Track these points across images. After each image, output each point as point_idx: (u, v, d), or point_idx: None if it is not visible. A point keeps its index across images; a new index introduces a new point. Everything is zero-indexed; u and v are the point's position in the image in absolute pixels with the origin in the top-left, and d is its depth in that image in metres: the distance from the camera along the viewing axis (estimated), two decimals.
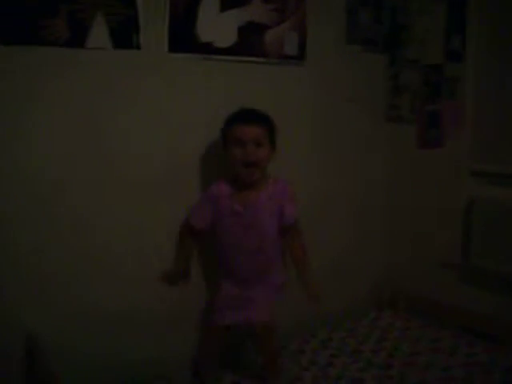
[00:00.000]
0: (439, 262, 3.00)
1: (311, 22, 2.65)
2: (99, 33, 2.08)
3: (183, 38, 2.28)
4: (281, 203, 2.25)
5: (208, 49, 2.34)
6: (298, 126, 2.70)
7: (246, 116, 2.18)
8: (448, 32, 2.85)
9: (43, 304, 2.11)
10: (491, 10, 2.72)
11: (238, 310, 2.27)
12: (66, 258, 2.14)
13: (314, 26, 2.66)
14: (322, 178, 2.85)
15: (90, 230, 2.19)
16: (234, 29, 2.40)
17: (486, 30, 2.74)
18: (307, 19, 2.63)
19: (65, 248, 2.14)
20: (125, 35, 2.14)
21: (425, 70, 2.94)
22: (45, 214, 2.08)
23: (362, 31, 2.91)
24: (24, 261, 2.05)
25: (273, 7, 2.50)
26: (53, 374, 1.83)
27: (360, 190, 3.07)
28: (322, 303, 2.29)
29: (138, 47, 2.18)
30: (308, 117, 2.75)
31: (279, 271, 2.36)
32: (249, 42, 2.46)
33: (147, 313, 2.33)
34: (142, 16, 2.15)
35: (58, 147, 2.07)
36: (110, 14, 2.09)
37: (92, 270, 2.21)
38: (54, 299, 2.13)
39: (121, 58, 2.15)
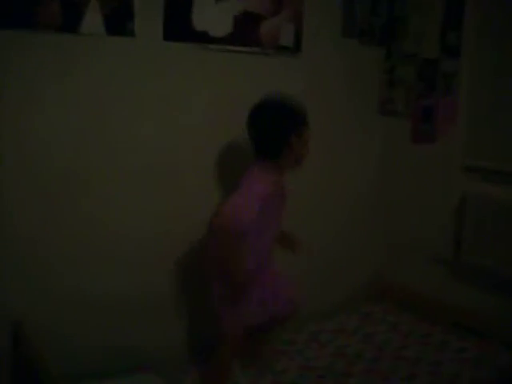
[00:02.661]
0: (431, 257, 3.00)
1: (307, 14, 2.64)
2: (93, 19, 2.06)
3: (178, 26, 2.27)
4: None
5: (203, 38, 2.33)
6: None
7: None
8: (445, 27, 2.84)
9: (36, 291, 2.11)
10: (488, 6, 2.72)
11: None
12: (62, 245, 2.15)
13: (310, 17, 2.65)
14: (315, 171, 2.84)
15: (88, 218, 2.20)
16: (230, 18, 2.38)
17: (483, 26, 2.74)
18: (303, 11, 2.61)
19: (62, 235, 2.15)
20: (119, 22, 2.12)
21: (420, 64, 2.94)
22: (43, 201, 2.08)
23: (359, 24, 2.90)
24: (19, 247, 2.06)
25: None
26: (39, 358, 1.81)
27: (353, 183, 3.07)
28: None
29: (133, 34, 2.17)
30: None
31: None
32: (244, 32, 2.44)
33: (140, 300, 2.34)
34: (136, 3, 2.14)
35: (48, 134, 2.05)
36: (105, 0, 2.07)
37: (88, 256, 2.22)
38: (47, 286, 2.13)
39: (115, 45, 2.14)
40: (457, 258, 2.87)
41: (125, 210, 2.28)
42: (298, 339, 2.67)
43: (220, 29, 2.37)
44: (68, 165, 2.11)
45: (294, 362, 2.47)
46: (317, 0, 2.69)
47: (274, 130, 2.16)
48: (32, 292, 2.10)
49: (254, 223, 2.06)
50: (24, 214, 2.05)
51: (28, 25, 1.93)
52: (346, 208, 3.06)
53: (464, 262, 2.83)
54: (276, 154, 2.17)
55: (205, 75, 2.38)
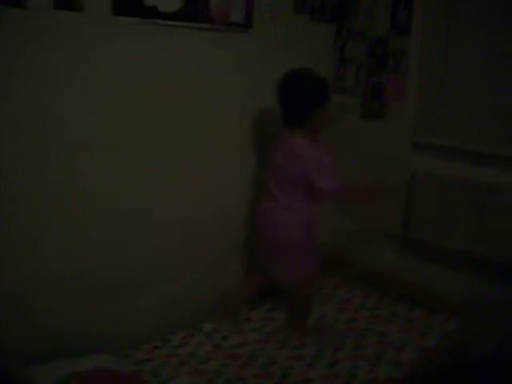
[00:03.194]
0: (381, 233, 3.06)
1: None
2: None
3: (127, 0, 2.23)
4: None
5: (153, 13, 2.30)
6: (242, 93, 2.69)
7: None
8: (395, 5, 2.88)
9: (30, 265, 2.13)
10: None
11: None
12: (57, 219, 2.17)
13: None
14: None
15: (90, 195, 2.24)
16: None
17: (433, 4, 2.78)
18: None
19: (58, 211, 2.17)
20: None
21: (371, 42, 2.97)
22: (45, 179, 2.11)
23: (310, 0, 2.91)
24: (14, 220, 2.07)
25: None
26: None
27: None
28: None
29: (81, 9, 2.12)
30: (253, 85, 2.74)
31: None
32: (194, 7, 2.42)
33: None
34: None
35: None
36: None
37: (87, 233, 2.26)
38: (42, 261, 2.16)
39: (62, 19, 2.08)
40: (406, 234, 2.94)
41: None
42: (253, 317, 2.73)
43: (170, 4, 2.33)
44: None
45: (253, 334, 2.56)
46: None
47: (299, 101, 2.41)
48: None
49: None
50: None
51: None
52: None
53: (413, 238, 2.91)
54: (298, 123, 2.41)
55: (154, 51, 2.35)
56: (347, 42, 3.06)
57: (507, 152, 2.57)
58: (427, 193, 2.82)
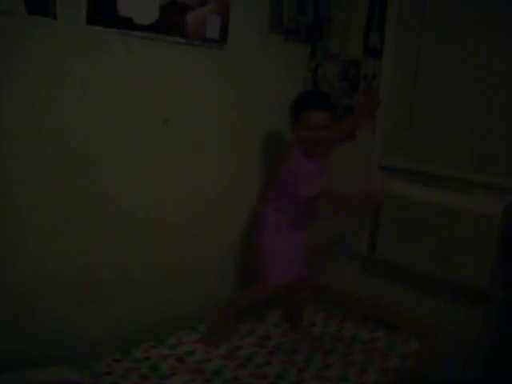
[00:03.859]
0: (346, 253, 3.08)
1: (234, 7, 2.64)
2: None
3: (102, 10, 2.22)
4: None
5: (128, 24, 2.29)
6: (213, 110, 2.70)
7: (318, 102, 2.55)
8: (368, 28, 2.93)
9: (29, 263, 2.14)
10: (409, 8, 2.82)
11: None
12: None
13: (237, 11, 2.65)
14: (237, 165, 2.87)
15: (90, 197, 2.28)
16: (156, 6, 2.36)
17: (404, 28, 2.84)
18: (231, 3, 2.62)
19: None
20: (40, 2, 2.06)
21: (344, 64, 3.01)
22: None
23: (285, 21, 2.93)
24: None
25: None
26: None
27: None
28: None
29: (55, 17, 2.11)
30: (225, 102, 2.75)
31: None
32: (170, 21, 2.42)
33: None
34: None
35: None
36: None
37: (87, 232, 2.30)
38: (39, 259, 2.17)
39: (35, 26, 2.06)
40: (371, 255, 2.96)
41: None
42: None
43: (145, 16, 2.34)
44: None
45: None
46: None
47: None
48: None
49: None
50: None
51: None
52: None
53: (378, 259, 2.93)
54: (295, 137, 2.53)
55: (127, 62, 2.34)
56: (321, 63, 3.09)
57: (475, 177, 2.62)
58: (394, 214, 2.84)
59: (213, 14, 2.56)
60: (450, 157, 2.72)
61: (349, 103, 3.01)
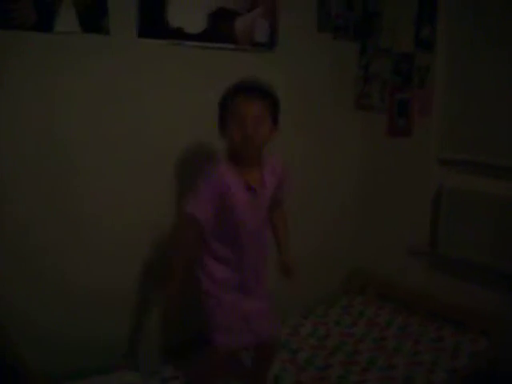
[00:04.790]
0: (409, 250, 3.04)
1: (282, 10, 2.64)
2: (67, 16, 2.04)
3: (153, 22, 2.26)
4: (280, 176, 2.07)
5: (178, 34, 2.32)
6: None
7: (248, 90, 1.93)
8: (419, 21, 2.88)
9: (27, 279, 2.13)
10: (461, 1, 2.76)
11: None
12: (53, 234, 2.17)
13: (284, 13, 2.65)
14: (295, 168, 2.85)
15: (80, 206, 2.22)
16: (205, 15, 2.38)
17: (456, 20, 2.78)
18: (278, 6, 2.62)
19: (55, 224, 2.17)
20: (93, 19, 2.11)
21: (395, 58, 2.97)
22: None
23: (334, 19, 2.91)
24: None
25: None
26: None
27: (332, 178, 3.08)
28: (294, 277, 2.15)
29: (107, 32, 2.16)
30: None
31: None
32: (219, 28, 2.44)
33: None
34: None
35: (22, 133, 2.05)
36: None
37: (77, 246, 2.24)
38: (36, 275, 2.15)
39: (90, 43, 2.12)
40: (433, 250, 2.91)
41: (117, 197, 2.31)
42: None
43: (195, 25, 2.36)
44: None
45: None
46: None
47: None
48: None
49: (203, 202, 1.90)
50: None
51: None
52: (327, 202, 3.08)
53: (440, 254, 2.88)
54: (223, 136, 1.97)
55: (180, 72, 2.38)
56: (371, 59, 3.05)
57: None
58: (454, 208, 2.79)
59: (261, 18, 2.57)
60: (508, 147, 2.65)
61: (403, 97, 2.96)
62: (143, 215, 2.37)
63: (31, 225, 2.11)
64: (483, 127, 2.72)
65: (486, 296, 2.72)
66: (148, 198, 2.37)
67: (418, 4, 2.84)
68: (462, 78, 2.77)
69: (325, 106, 2.95)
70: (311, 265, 3.00)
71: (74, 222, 2.22)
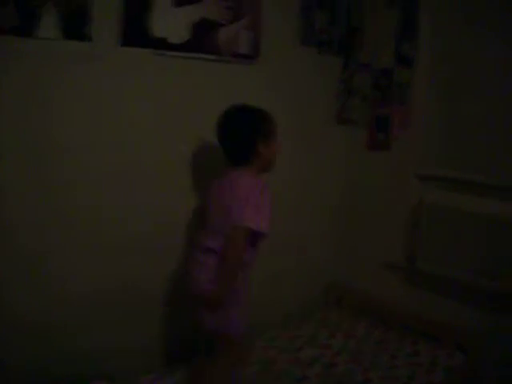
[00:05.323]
0: (387, 264, 3.04)
1: (266, 22, 2.65)
2: (50, 22, 2.03)
3: (136, 31, 2.25)
4: None
5: (161, 44, 2.32)
6: None
7: (268, 114, 2.24)
8: (400, 38, 2.90)
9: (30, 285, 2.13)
10: (441, 17, 2.78)
11: None
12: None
13: (268, 25, 2.66)
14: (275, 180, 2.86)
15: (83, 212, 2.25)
16: (188, 25, 2.38)
17: (436, 36, 2.80)
18: (262, 18, 2.63)
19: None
20: (76, 26, 2.10)
21: (376, 74, 2.99)
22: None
23: (318, 33, 2.93)
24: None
25: (227, 5, 2.50)
26: None
27: (309, 191, 3.09)
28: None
29: (90, 39, 2.15)
30: None
31: None
32: (202, 39, 2.45)
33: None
34: (94, 7, 2.12)
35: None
36: (61, 4, 2.04)
37: (76, 250, 2.25)
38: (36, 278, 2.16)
39: (71, 49, 2.11)
40: (411, 265, 2.92)
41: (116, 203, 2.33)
42: (255, 345, 2.68)
43: (178, 35, 2.36)
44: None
45: (252, 368, 2.47)
46: (276, 8, 2.70)
47: (242, 138, 2.16)
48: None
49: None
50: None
51: None
52: (305, 215, 3.09)
53: (418, 269, 2.88)
54: (245, 161, 2.17)
55: (162, 82, 2.38)
56: (353, 74, 3.07)
57: None
58: (433, 224, 2.80)
59: (244, 29, 2.57)
60: (488, 164, 2.67)
61: (383, 112, 2.98)
62: (142, 221, 2.40)
63: (29, 228, 2.11)
64: (463, 143, 2.74)
65: (463, 312, 2.73)
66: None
67: (399, 20, 2.86)
68: (441, 94, 2.79)
69: (306, 120, 2.97)
70: (289, 278, 3.01)
71: (73, 227, 2.23)
